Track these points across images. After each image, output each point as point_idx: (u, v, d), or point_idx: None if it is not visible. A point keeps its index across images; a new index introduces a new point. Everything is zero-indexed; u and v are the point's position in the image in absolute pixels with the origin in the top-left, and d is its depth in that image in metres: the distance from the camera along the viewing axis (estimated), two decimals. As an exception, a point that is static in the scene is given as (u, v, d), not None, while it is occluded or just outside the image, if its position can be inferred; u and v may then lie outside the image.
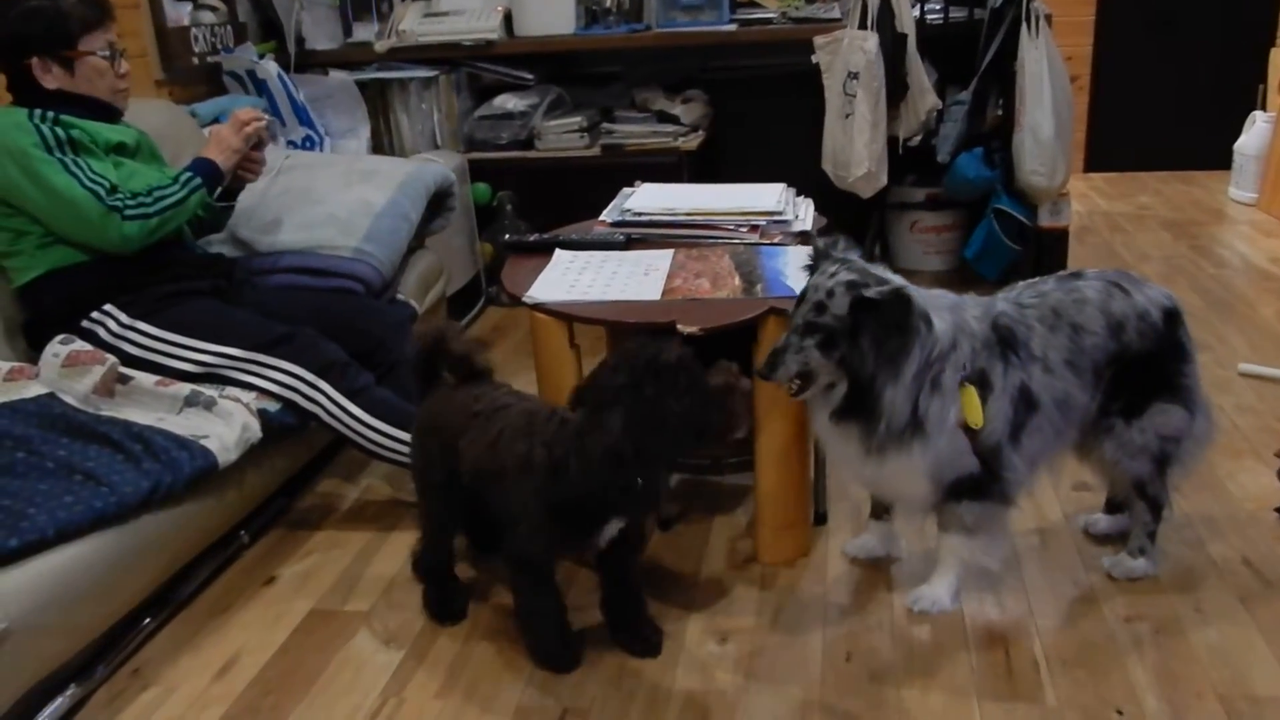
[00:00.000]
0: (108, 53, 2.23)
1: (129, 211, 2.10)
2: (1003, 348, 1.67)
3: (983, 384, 1.65)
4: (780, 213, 2.27)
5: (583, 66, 4.04)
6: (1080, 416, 1.76)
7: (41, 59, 2.16)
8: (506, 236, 3.66)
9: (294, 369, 2.14)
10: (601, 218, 2.37)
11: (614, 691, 1.68)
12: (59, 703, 1.66)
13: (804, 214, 2.33)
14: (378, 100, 3.64)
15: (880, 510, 2.00)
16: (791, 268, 2.00)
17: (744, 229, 2.22)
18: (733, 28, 3.48)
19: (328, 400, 2.13)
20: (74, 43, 2.18)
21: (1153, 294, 1.77)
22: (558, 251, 2.20)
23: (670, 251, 2.15)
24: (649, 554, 2.07)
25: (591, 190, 2.73)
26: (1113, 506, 2.05)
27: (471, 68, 3.69)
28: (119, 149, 2.26)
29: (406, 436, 2.13)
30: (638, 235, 2.26)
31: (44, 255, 2.17)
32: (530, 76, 3.68)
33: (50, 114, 2.14)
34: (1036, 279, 1.81)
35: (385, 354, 2.33)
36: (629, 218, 2.31)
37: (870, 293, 1.57)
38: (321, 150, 3.35)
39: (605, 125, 3.62)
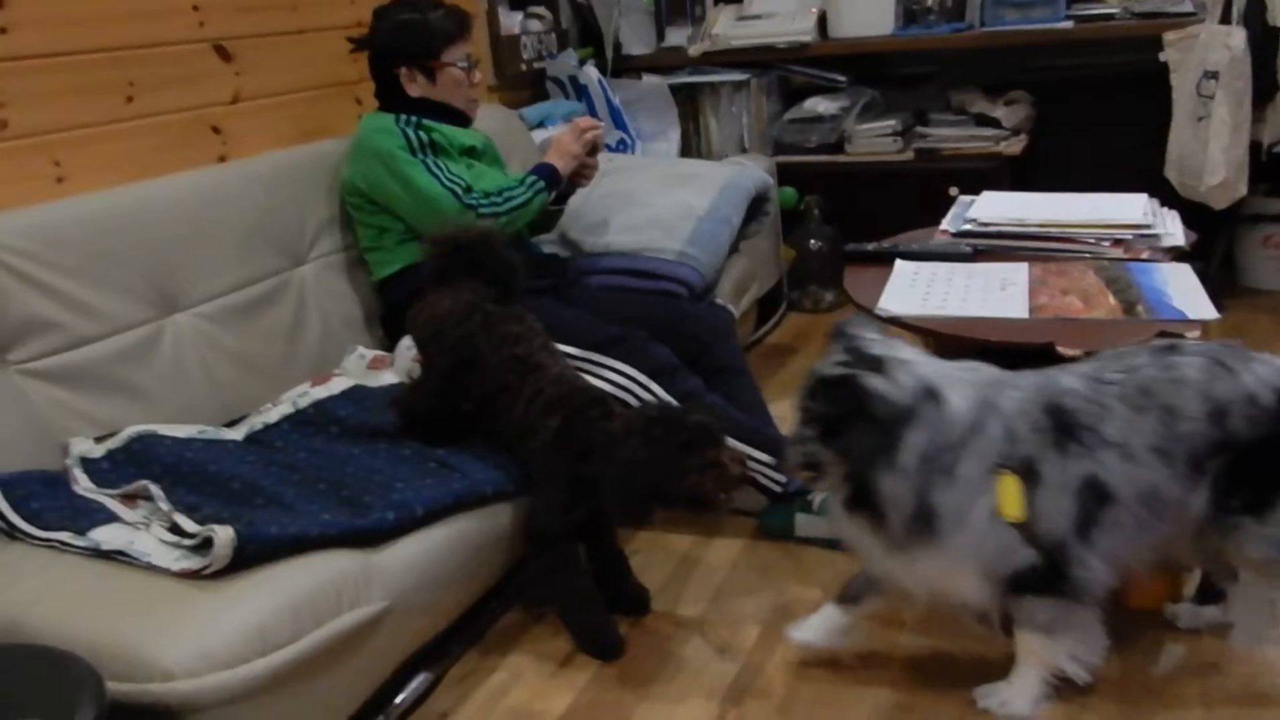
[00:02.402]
0: (465, 63, 2.37)
1: (482, 209, 2.21)
2: (1058, 434, 1.43)
3: (1029, 474, 1.41)
4: (1148, 226, 2.08)
5: (894, 67, 3.91)
6: (1175, 511, 1.48)
7: (408, 68, 2.32)
8: (811, 242, 3.61)
9: (628, 370, 2.16)
10: (943, 227, 2.26)
11: None
12: (421, 678, 1.76)
13: (1173, 228, 2.12)
14: (687, 104, 3.67)
15: (850, 596, 1.71)
16: (1171, 286, 1.82)
17: (1106, 243, 2.05)
18: (1069, 25, 3.23)
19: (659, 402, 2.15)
20: (437, 54, 2.32)
21: (1263, 372, 1.47)
22: (899, 262, 2.11)
23: (1024, 265, 2.01)
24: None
25: (901, 196, 2.63)
26: (1207, 595, 1.73)
27: (783, 70, 3.65)
28: (469, 152, 2.39)
29: (734, 443, 2.12)
30: (984, 247, 2.13)
31: (401, 251, 2.32)
32: (843, 79, 3.60)
33: (414, 119, 2.29)
34: (1126, 349, 1.55)
35: (709, 358, 2.32)
36: (974, 228, 2.19)
37: (831, 374, 1.42)
38: (633, 153, 3.41)
39: (919, 129, 3.48)
